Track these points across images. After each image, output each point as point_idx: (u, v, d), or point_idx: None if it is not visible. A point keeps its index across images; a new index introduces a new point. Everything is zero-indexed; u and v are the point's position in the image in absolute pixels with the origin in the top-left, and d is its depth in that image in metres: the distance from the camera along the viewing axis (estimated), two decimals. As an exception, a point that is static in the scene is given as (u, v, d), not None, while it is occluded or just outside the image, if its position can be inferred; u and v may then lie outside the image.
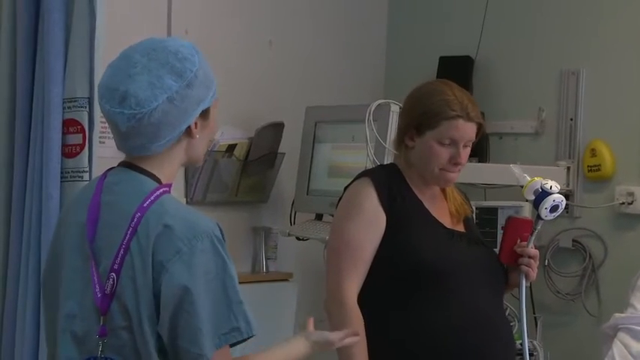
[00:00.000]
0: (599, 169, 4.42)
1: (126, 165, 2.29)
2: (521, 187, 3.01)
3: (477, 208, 4.24)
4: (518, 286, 3.03)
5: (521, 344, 4.18)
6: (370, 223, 2.93)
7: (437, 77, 4.70)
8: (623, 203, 4.35)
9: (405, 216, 2.95)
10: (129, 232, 2.17)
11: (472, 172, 4.23)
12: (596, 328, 3.88)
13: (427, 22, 5.00)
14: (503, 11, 4.73)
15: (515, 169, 3.04)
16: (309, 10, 4.77)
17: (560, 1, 4.60)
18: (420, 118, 2.95)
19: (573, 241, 4.49)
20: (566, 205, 4.45)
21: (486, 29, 4.71)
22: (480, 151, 4.60)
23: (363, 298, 2.91)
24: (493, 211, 4.14)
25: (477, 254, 3.00)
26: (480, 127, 2.97)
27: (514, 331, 4.22)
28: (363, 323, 2.87)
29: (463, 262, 2.95)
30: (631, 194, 4.33)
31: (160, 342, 2.17)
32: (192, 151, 2.30)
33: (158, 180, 2.25)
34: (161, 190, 2.23)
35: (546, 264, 4.49)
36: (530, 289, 4.43)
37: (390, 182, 2.97)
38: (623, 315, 3.60)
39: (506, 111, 4.71)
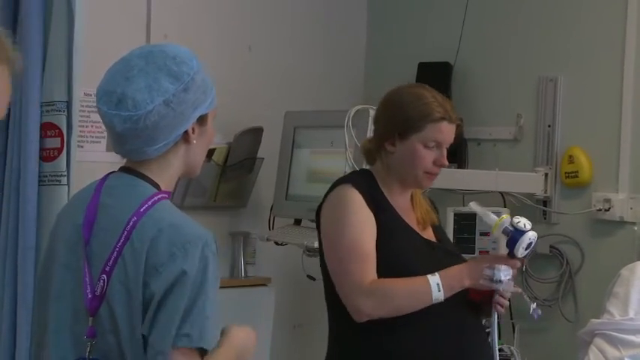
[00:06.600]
0: (576, 176, 4.43)
1: (126, 170, 2.29)
2: (491, 218, 2.90)
3: (455, 214, 4.27)
4: (491, 317, 2.98)
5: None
6: (365, 221, 2.89)
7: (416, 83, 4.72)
8: (600, 210, 4.36)
9: (387, 227, 2.92)
10: (123, 235, 2.17)
11: (450, 177, 4.24)
12: (573, 333, 3.89)
13: (406, 28, 5.01)
14: (482, 18, 4.74)
15: (475, 207, 2.97)
16: (288, 16, 4.77)
17: (539, 9, 4.62)
18: (404, 123, 2.93)
19: (550, 247, 4.51)
20: (544, 211, 4.51)
21: (465, 36, 4.72)
22: (458, 157, 4.61)
23: (342, 314, 2.88)
24: (471, 217, 4.14)
25: (451, 265, 2.97)
26: (457, 128, 2.99)
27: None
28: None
29: None
30: (608, 201, 4.34)
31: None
32: (189, 159, 2.29)
33: (157, 186, 2.25)
34: (159, 196, 2.23)
35: (524, 270, 4.50)
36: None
37: (369, 190, 2.95)
38: (599, 321, 3.61)
39: (485, 117, 4.72)
